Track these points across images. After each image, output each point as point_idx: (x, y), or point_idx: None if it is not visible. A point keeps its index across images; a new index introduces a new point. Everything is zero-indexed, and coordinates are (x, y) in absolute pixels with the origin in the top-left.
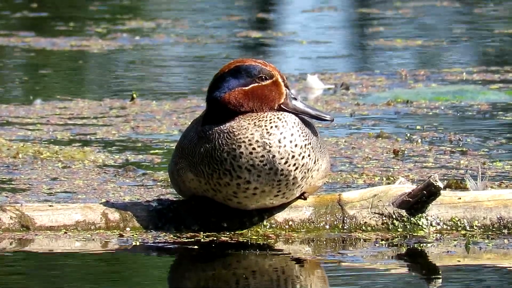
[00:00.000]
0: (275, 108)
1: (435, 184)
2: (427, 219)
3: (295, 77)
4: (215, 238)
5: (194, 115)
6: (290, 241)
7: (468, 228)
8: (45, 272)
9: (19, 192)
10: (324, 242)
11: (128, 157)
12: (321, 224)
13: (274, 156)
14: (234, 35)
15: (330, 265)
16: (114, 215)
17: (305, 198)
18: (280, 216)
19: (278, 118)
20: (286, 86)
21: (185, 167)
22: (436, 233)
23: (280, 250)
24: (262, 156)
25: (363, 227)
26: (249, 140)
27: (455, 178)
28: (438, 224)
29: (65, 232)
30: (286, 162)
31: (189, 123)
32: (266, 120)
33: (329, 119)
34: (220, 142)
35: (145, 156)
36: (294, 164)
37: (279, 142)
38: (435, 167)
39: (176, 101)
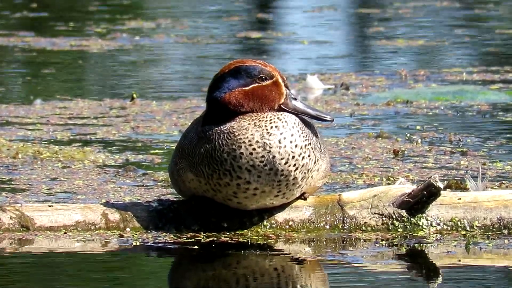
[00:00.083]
0: (275, 108)
1: (435, 184)
2: (427, 220)
3: (295, 77)
4: (215, 238)
5: (194, 115)
6: (290, 241)
7: (468, 228)
8: (45, 272)
9: (19, 192)
10: (324, 242)
11: (128, 157)
12: (321, 224)
13: (274, 156)
14: (234, 36)
15: (330, 265)
16: (114, 215)
17: (305, 198)
18: (280, 216)
19: (278, 118)
20: (286, 87)
21: (185, 167)
22: (436, 233)
23: (280, 250)
24: (262, 156)
25: (363, 227)
26: (249, 141)
27: (455, 178)
28: (438, 224)
29: (65, 233)
30: (286, 163)
31: (189, 123)
32: (266, 121)
33: (329, 119)
34: (220, 142)
35: (145, 156)
36: (294, 165)
37: (279, 142)
38: (435, 167)
39: (176, 101)
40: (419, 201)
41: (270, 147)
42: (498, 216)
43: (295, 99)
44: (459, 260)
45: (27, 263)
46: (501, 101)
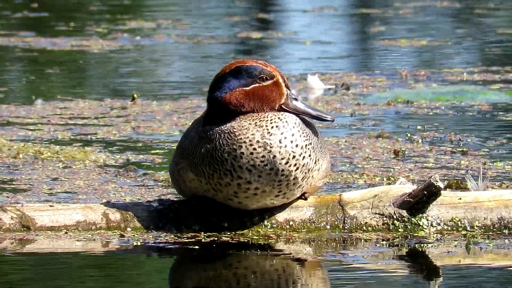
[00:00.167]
0: (276, 108)
1: (435, 184)
2: (427, 220)
3: (296, 77)
4: (216, 238)
5: (195, 115)
6: (291, 241)
7: (468, 228)
8: (45, 272)
9: (19, 192)
10: (325, 242)
11: (129, 157)
12: (322, 224)
13: (275, 156)
14: (234, 36)
15: (331, 265)
16: (115, 215)
17: (305, 198)
18: (281, 216)
19: (279, 118)
20: (287, 87)
21: (185, 167)
22: (437, 233)
23: (281, 250)
24: (263, 156)
25: (364, 227)
26: (250, 141)
27: (456, 178)
28: (439, 224)
29: (66, 232)
30: (287, 163)
31: (190, 123)
32: (267, 120)
33: (329, 119)
34: (221, 142)
35: (146, 156)
36: (295, 164)
37: (280, 142)
38: (436, 167)
39: (177, 101)
40: (420, 201)
41: (271, 147)
42: (499, 216)
43: (296, 99)
44: (460, 260)
45: (27, 263)
46: (501, 101)
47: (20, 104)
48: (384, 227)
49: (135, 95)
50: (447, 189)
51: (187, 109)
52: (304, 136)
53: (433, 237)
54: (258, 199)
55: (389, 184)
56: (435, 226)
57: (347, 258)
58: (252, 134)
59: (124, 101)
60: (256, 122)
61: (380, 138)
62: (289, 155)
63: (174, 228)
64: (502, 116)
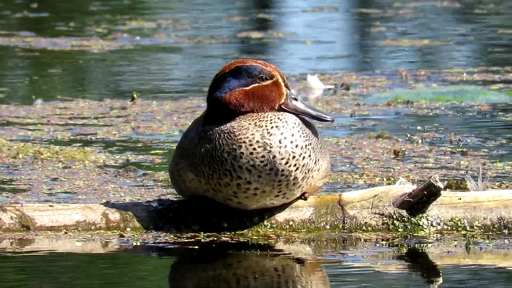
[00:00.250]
0: (276, 108)
1: (435, 184)
2: (427, 220)
3: (296, 77)
4: (216, 238)
5: (195, 115)
6: (290, 241)
7: (468, 228)
8: (45, 272)
9: (19, 192)
10: (325, 242)
11: (128, 157)
12: (322, 224)
13: (274, 156)
14: (234, 36)
15: (330, 265)
16: (114, 215)
17: (305, 198)
18: (280, 216)
19: (278, 118)
20: (287, 87)
21: (185, 167)
22: (437, 233)
23: (281, 250)
24: (263, 156)
25: (364, 227)
26: (249, 141)
27: (456, 178)
28: (439, 224)
29: (66, 232)
30: (286, 163)
31: (190, 123)
32: (267, 121)
33: (329, 119)
34: (220, 142)
35: (146, 156)
36: (295, 165)
37: (280, 142)
38: (436, 167)
39: (177, 101)
40: (420, 201)
41: (271, 147)
42: (498, 216)
43: (296, 99)
44: (460, 260)
45: (27, 263)
46: (501, 102)
47: (20, 104)
48: (384, 227)
49: (135, 95)
50: (447, 189)
51: (187, 109)
52: (304, 136)
53: (433, 237)
54: (258, 199)
55: (389, 184)
56: (435, 226)
57: (347, 258)
58: (252, 134)
59: (124, 101)
60: (256, 122)
61: (380, 138)
62: (289, 155)
63: (174, 228)
64: (502, 116)
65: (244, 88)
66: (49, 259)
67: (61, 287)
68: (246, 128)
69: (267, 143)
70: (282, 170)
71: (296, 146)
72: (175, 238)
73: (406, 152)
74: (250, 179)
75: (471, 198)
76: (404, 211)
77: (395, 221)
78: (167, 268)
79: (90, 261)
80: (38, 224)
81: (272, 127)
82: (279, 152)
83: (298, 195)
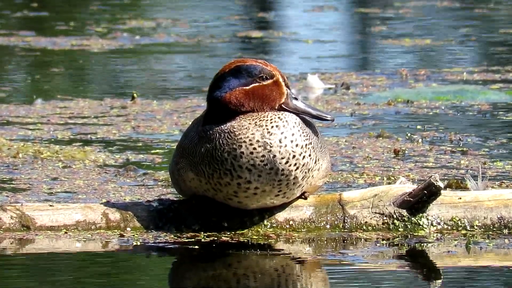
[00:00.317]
0: (276, 108)
1: (435, 184)
2: (427, 219)
3: (296, 77)
4: (216, 238)
5: (195, 114)
6: (290, 240)
7: (468, 228)
8: (45, 272)
9: (19, 191)
10: (325, 242)
11: (128, 156)
12: (322, 224)
13: (275, 156)
14: (234, 35)
15: (330, 265)
16: (114, 215)
17: (305, 198)
18: (280, 216)
19: (279, 117)
20: (287, 86)
21: (185, 167)
22: (437, 233)
23: (281, 250)
24: (263, 156)
25: (364, 227)
26: (249, 140)
27: (456, 178)
28: (439, 224)
29: (66, 232)
30: (287, 162)
31: (190, 122)
32: (267, 120)
33: (329, 119)
34: (220, 142)
35: (146, 156)
36: (295, 164)
37: (280, 142)
38: (436, 167)
39: (177, 101)
40: (420, 200)
41: (271, 147)
42: (499, 216)
43: (296, 98)
44: (460, 260)
45: (27, 263)
46: (501, 101)
47: (20, 103)
48: (384, 226)
49: (135, 95)
50: (447, 188)
51: (187, 108)
52: (304, 135)
53: (433, 237)
54: (258, 199)
55: (389, 183)
56: (435, 226)
57: (347, 257)
58: (252, 134)
59: (124, 101)
60: (256, 122)
61: (380, 138)
62: (289, 154)
63: (174, 228)
64: (502, 116)
65: (244, 87)
66: (49, 259)
67: (61, 287)
68: (246, 128)
69: (267, 143)
70: (282, 170)
71: (297, 145)
72: (175, 238)
73: (406, 152)
74: (250, 179)
75: (471, 197)
76: (404, 210)
77: (395, 221)
78: (167, 268)
79: (90, 261)
80: (38, 224)
81: (272, 127)
82: (279, 151)
83: (298, 195)
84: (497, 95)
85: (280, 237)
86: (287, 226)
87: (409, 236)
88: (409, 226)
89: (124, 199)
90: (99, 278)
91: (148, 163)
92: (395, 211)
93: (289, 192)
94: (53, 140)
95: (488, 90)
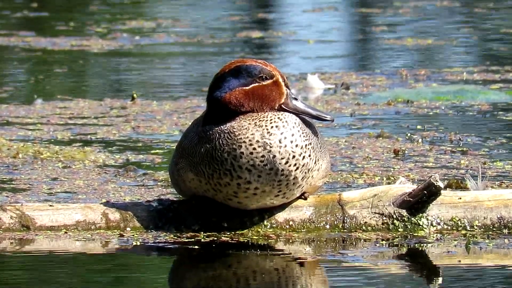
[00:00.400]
0: (276, 108)
1: (435, 184)
2: (427, 219)
3: (296, 77)
4: (216, 238)
5: (195, 115)
6: (290, 241)
7: (468, 228)
8: (45, 272)
9: (19, 192)
10: (325, 242)
11: (128, 157)
12: (322, 224)
13: (274, 156)
14: (234, 35)
15: (330, 265)
16: (114, 215)
17: (305, 198)
18: (280, 216)
19: (278, 118)
20: (287, 86)
21: (185, 167)
22: (437, 233)
23: (281, 250)
24: (263, 156)
25: (364, 227)
26: (249, 140)
27: (456, 178)
28: (439, 224)
29: (66, 232)
30: (286, 162)
31: (190, 123)
32: (267, 120)
33: (329, 119)
34: (220, 142)
35: (146, 156)
36: (295, 164)
37: (280, 142)
38: (436, 167)
39: (177, 101)
40: (420, 200)
41: (271, 147)
42: (498, 216)
43: (296, 98)
44: (460, 260)
45: (27, 263)
46: (501, 101)
47: (19, 104)
48: (383, 226)
49: (134, 95)
50: (447, 188)
51: (187, 108)
52: (304, 136)
53: (433, 237)
54: (258, 199)
55: (389, 183)
56: (435, 226)
57: (346, 258)
58: (252, 134)
59: (124, 101)
60: (256, 122)
61: (380, 138)
62: (289, 155)
63: (174, 228)
64: (502, 116)
65: (244, 87)
66: (49, 259)
67: (61, 287)
68: (246, 128)
69: (267, 143)
70: (282, 170)
71: (296, 145)
72: (175, 238)
73: (406, 152)
74: (250, 179)
75: (471, 197)
76: (404, 210)
77: (395, 221)
78: (167, 268)
79: (90, 261)
80: (38, 224)
81: (272, 127)
82: (279, 151)
83: (298, 195)
84: (497, 95)
85: (280, 237)
86: (287, 226)
87: (409, 236)
88: (409, 226)
89: (124, 199)
90: (98, 278)
91: (148, 163)
92: (395, 211)
93: (288, 193)
94: (53, 140)
95: (488, 90)
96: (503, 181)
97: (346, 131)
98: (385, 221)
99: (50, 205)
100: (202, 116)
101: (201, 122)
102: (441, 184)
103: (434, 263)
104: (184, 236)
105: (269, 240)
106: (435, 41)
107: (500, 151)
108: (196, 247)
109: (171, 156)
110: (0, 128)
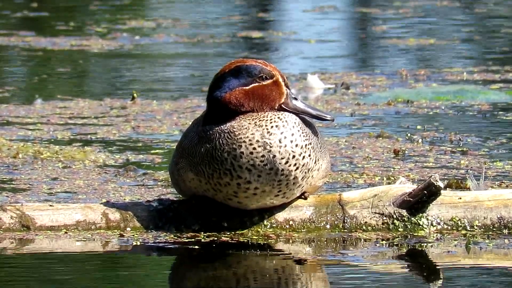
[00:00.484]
0: (276, 108)
1: (435, 184)
2: (427, 219)
3: (296, 77)
4: (216, 238)
5: (195, 115)
6: (290, 241)
7: (468, 228)
8: (45, 272)
9: (19, 192)
10: (325, 242)
11: (128, 157)
12: (322, 224)
13: (274, 156)
14: (234, 35)
15: (330, 265)
16: (114, 215)
17: (305, 198)
18: (280, 216)
19: (278, 118)
20: (287, 86)
21: (185, 167)
22: (437, 233)
23: (281, 250)
24: (263, 156)
25: (364, 227)
26: (249, 140)
27: (456, 178)
28: (439, 224)
29: (66, 232)
30: (286, 162)
31: (190, 123)
32: (267, 120)
33: (329, 119)
34: (220, 142)
35: (146, 156)
36: (295, 164)
37: (280, 142)
38: (436, 167)
39: (177, 101)
40: (420, 200)
41: (271, 147)
42: (498, 216)
43: (296, 98)
44: (460, 260)
45: (27, 263)
46: (501, 101)
47: (19, 103)
48: (384, 226)
49: (134, 95)
50: (447, 188)
51: (187, 108)
52: (304, 135)
53: (433, 237)
54: (258, 199)
55: (389, 183)
56: (435, 226)
57: (347, 258)
58: (252, 134)
59: (124, 101)
60: (256, 122)
61: (380, 138)
62: (289, 154)
63: (174, 228)
64: (502, 116)
65: (244, 87)
66: (49, 259)
67: (61, 287)
68: (246, 128)
69: (267, 143)
70: (282, 170)
71: (296, 145)
72: (175, 238)
73: (406, 152)
74: (250, 179)
75: (471, 197)
76: (404, 210)
77: (395, 221)
78: (167, 268)
79: (90, 261)
80: (38, 224)
81: (272, 127)
82: (279, 151)
83: (298, 195)
84: (497, 95)
85: (280, 237)
86: (287, 226)
87: (409, 236)
88: (409, 226)
89: (124, 199)
90: (99, 278)
91: (148, 163)
92: (395, 211)
93: (289, 192)
94: (53, 140)
95: (488, 90)
96: (503, 181)
97: (346, 131)
98: (385, 221)
99: (50, 205)
100: (202, 116)
101: (201, 122)
102: (441, 184)
103: (434, 263)
104: (184, 236)
105: (269, 240)
106: (435, 41)
107: (500, 151)
108: (196, 247)
109: (171, 156)
110: (0, 128)
